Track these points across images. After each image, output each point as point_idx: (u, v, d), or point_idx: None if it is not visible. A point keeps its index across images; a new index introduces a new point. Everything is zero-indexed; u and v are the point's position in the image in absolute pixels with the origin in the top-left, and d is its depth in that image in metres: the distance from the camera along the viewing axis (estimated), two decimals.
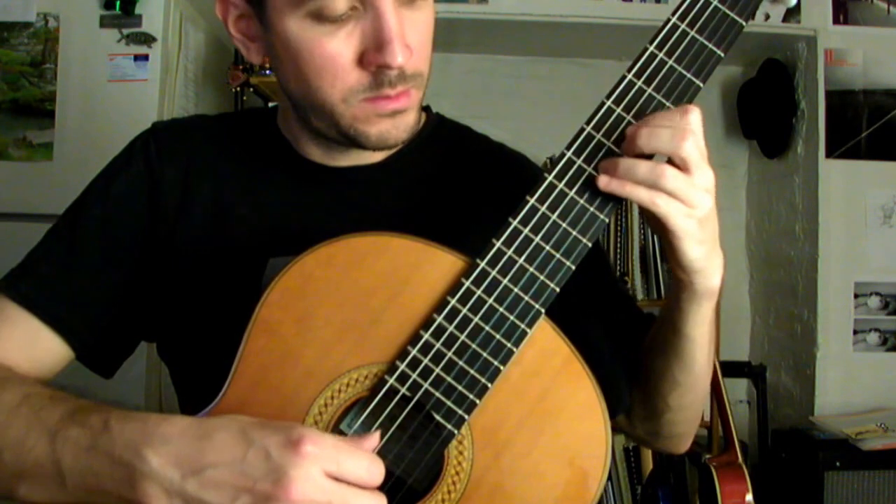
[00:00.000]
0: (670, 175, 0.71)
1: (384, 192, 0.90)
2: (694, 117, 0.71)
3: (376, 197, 0.90)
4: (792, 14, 2.62)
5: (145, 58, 2.14)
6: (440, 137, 0.97)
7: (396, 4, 0.76)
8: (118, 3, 2.11)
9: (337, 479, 0.64)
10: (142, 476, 0.65)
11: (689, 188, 0.71)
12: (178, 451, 0.65)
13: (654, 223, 0.75)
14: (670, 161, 0.72)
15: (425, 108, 0.98)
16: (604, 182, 0.72)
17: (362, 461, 0.66)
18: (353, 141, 0.83)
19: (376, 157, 0.89)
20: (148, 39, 2.14)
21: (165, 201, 0.89)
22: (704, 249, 0.75)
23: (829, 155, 2.65)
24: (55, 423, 0.71)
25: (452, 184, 0.93)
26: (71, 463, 0.68)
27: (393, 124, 0.81)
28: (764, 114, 2.89)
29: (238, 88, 2.47)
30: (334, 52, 0.77)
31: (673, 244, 0.75)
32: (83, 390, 0.76)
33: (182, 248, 0.88)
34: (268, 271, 0.82)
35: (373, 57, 0.76)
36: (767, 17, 2.60)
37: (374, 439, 0.69)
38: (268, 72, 2.44)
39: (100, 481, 0.67)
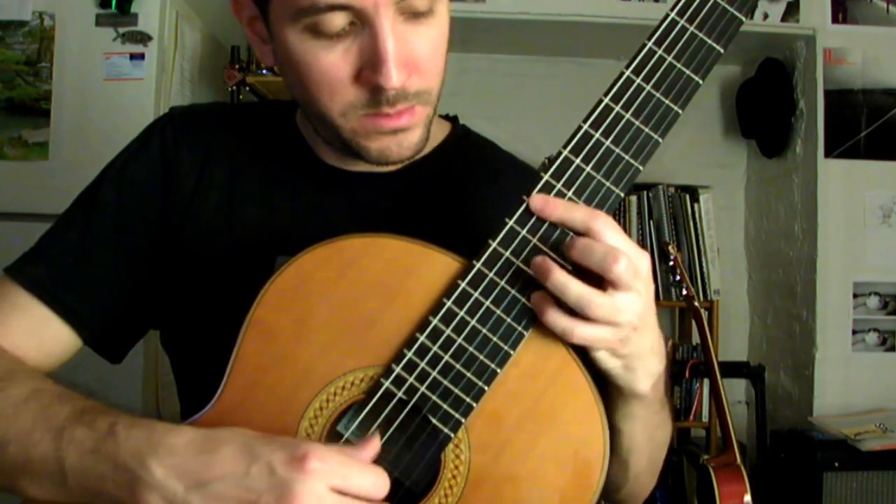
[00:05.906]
0: (597, 304, 0.68)
1: (398, 199, 0.89)
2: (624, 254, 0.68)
3: (389, 204, 0.89)
4: (791, 13, 2.61)
5: (141, 57, 2.13)
6: (461, 150, 0.95)
7: (399, 21, 0.74)
8: (114, 2, 2.10)
9: (342, 493, 0.64)
10: (144, 485, 0.64)
11: (614, 314, 0.68)
12: (183, 464, 0.64)
13: None
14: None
15: (452, 119, 0.97)
16: (535, 299, 0.70)
17: (368, 476, 0.65)
18: (355, 153, 0.81)
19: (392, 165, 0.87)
20: (144, 38, 2.14)
21: (179, 188, 0.88)
22: (623, 362, 0.73)
23: (827, 154, 2.64)
24: (62, 421, 0.71)
25: (468, 197, 0.92)
26: (74, 462, 0.68)
27: (395, 141, 0.80)
28: (763, 113, 2.88)
29: (234, 87, 2.46)
30: (331, 66, 0.75)
31: (588, 352, 0.72)
32: (81, 385, 0.76)
33: (192, 236, 0.88)
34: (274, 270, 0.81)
35: (368, 76, 0.74)
36: (766, 16, 2.60)
37: (374, 445, 0.68)
38: (265, 71, 2.43)
39: (101, 484, 0.67)
